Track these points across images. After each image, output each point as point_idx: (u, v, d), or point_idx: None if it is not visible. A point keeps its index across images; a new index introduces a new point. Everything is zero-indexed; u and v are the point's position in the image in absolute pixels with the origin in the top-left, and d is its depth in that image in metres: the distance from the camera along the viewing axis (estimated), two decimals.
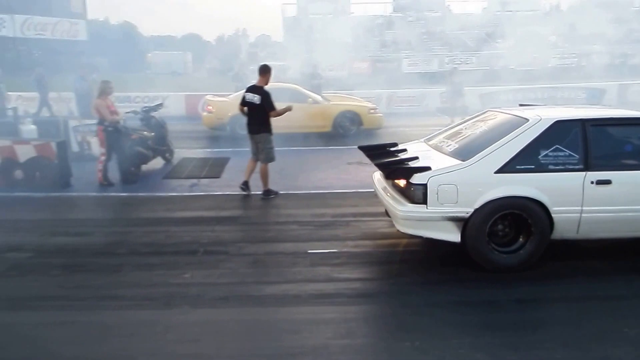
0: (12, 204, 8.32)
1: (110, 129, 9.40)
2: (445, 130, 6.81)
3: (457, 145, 5.96)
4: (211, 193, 8.80)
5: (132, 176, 9.54)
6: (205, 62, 42.12)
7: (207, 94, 17.04)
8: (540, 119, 5.53)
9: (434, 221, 5.31)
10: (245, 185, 8.65)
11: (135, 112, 11.67)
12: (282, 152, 9.55)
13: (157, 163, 10.97)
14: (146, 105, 13.50)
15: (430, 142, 6.56)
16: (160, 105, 12.02)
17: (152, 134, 10.79)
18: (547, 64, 33.43)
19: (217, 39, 60.00)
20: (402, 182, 5.56)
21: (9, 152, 9.18)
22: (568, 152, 5.34)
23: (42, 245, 6.36)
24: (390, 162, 5.87)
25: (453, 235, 5.35)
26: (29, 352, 4.13)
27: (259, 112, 8.42)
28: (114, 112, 9.61)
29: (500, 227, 5.42)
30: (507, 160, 5.29)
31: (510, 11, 41.19)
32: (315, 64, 20.51)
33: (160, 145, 11.14)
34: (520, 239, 5.40)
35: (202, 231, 6.77)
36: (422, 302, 4.86)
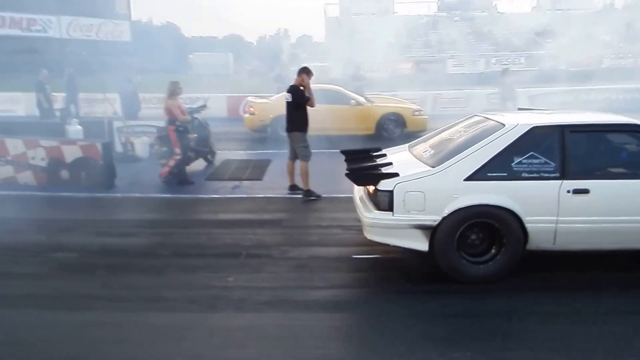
0: (59, 204, 8.48)
1: (181, 128, 9.53)
2: (431, 136, 6.54)
3: (432, 152, 5.75)
4: (253, 195, 8.79)
5: (185, 177, 9.64)
6: (247, 63, 42.41)
7: (248, 96, 17.09)
8: (517, 125, 5.31)
9: (401, 229, 5.15)
10: (293, 189, 8.69)
11: None
12: (325, 155, 9.50)
13: (199, 164, 11.04)
14: (189, 106, 13.61)
15: (412, 148, 6.33)
16: (203, 107, 12.10)
17: (195, 135, 10.85)
18: (601, 64, 32.28)
19: (258, 40, 60.50)
20: (371, 189, 5.40)
21: (56, 152, 9.34)
22: (544, 159, 5.11)
23: (88, 245, 6.43)
24: (361, 167, 5.76)
25: (421, 243, 5.17)
26: (79, 350, 4.17)
27: (291, 110, 8.60)
28: (183, 113, 9.75)
29: (473, 236, 5.19)
30: (478, 167, 5.09)
31: (561, 10, 40.13)
32: (357, 64, 20.29)
33: (203, 146, 11.21)
34: (493, 250, 5.17)
35: (245, 234, 6.75)
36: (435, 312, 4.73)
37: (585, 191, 5.02)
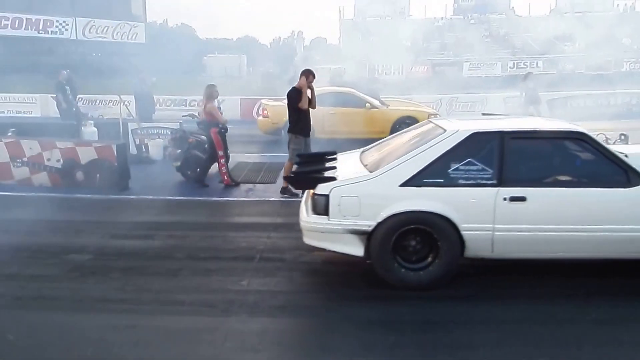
0: (73, 206, 8.52)
1: (223, 130, 9.59)
2: (384, 141, 6.45)
3: (376, 157, 5.70)
4: (267, 199, 8.79)
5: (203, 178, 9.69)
6: (261, 65, 42.51)
7: (262, 98, 17.11)
8: (457, 131, 5.23)
9: (336, 233, 5.11)
10: (284, 192, 8.76)
11: (192, 116, 11.80)
12: None
13: (212, 167, 11.04)
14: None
15: (363, 153, 6.25)
16: (201, 112, 12.11)
17: None
18: (621, 67, 31.84)
19: (272, 42, 60.66)
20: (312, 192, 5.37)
21: (71, 153, 9.39)
22: (481, 166, 5.03)
23: (103, 247, 6.44)
24: (303, 171, 5.77)
25: (356, 248, 5.12)
26: (94, 354, 4.17)
27: (289, 112, 8.79)
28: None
29: (412, 242, 5.12)
30: (414, 173, 5.04)
31: (580, 12, 39.69)
32: (372, 67, 20.21)
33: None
34: (430, 256, 5.10)
35: (259, 237, 6.74)
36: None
37: (522, 199, 4.95)
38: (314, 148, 8.79)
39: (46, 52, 27.30)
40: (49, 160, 9.43)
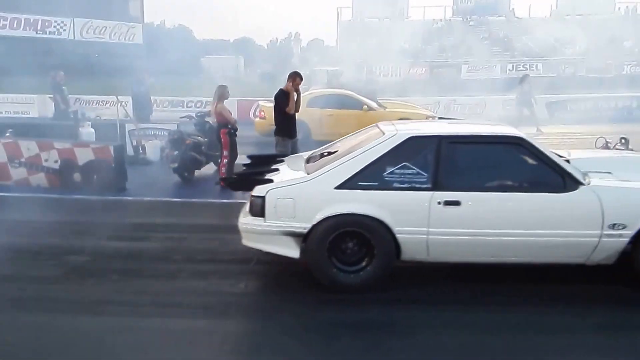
0: (71, 206, 8.56)
1: (232, 131, 9.64)
2: (330, 145, 6.46)
3: (318, 159, 5.73)
4: None
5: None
6: (258, 67, 42.53)
7: (259, 99, 17.10)
8: (395, 134, 5.28)
9: (272, 235, 5.15)
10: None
11: (189, 117, 11.81)
12: None
13: (209, 168, 11.06)
14: (200, 110, 13.66)
15: (309, 156, 6.27)
16: (212, 112, 12.12)
17: (206, 139, 10.89)
18: (622, 70, 31.79)
19: (269, 43, 60.65)
20: None
21: (69, 154, 9.40)
22: (417, 170, 5.07)
23: (100, 249, 6.45)
24: (244, 173, 5.86)
25: (292, 250, 5.17)
26: (92, 356, 4.21)
27: (275, 114, 9.03)
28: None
29: (350, 245, 5.15)
30: (350, 176, 5.08)
31: (581, 15, 39.63)
32: (370, 69, 20.20)
33: (214, 150, 11.22)
34: (366, 259, 5.12)
35: None
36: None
37: (456, 203, 4.97)
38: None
39: (45, 52, 27.22)
40: (46, 161, 9.44)
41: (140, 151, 12.06)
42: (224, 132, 9.59)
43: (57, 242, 6.63)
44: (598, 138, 10.51)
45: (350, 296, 5.14)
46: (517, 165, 5.28)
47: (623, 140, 9.99)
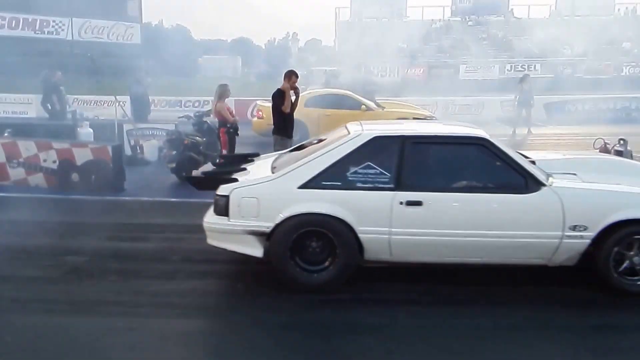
0: (69, 207, 8.56)
1: (232, 130, 9.66)
2: (300, 145, 6.54)
3: (285, 159, 5.77)
4: None
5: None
6: (255, 67, 42.50)
7: (257, 99, 17.13)
8: (359, 134, 5.30)
9: (236, 234, 5.18)
10: None
11: (188, 117, 11.83)
12: None
13: (207, 168, 11.06)
14: (198, 110, 13.67)
15: (278, 155, 6.35)
16: (212, 111, 12.13)
17: (204, 139, 10.90)
18: (620, 72, 31.80)
19: (267, 43, 60.60)
20: None
21: (67, 154, 9.40)
22: (380, 170, 5.10)
23: (99, 249, 6.46)
24: (211, 172, 5.91)
25: (255, 250, 5.20)
26: (90, 356, 4.21)
27: (272, 114, 9.01)
28: (232, 114, 9.95)
29: (314, 244, 5.17)
30: (313, 175, 5.12)
31: (580, 16, 39.61)
32: (368, 69, 20.19)
33: (212, 150, 11.23)
34: (329, 259, 5.15)
35: None
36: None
37: (418, 203, 4.99)
38: None
39: (43, 52, 27.24)
40: (45, 161, 9.44)
41: (138, 151, 12.06)
42: (223, 131, 9.63)
43: (55, 243, 6.63)
44: (596, 139, 10.54)
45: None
46: (480, 165, 5.30)
47: (621, 142, 10.01)
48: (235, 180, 5.34)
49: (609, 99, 21.32)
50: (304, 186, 5.11)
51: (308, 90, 15.39)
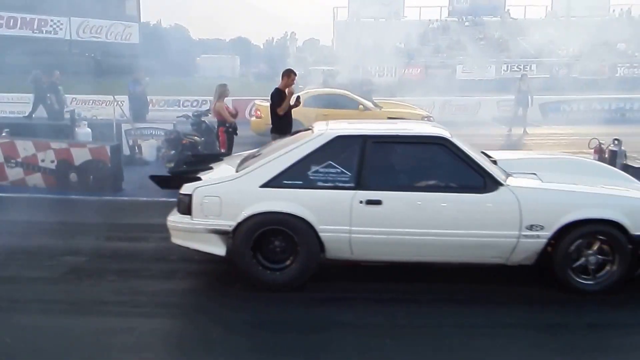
0: (67, 207, 8.55)
1: (230, 130, 9.67)
2: (268, 144, 6.60)
3: (251, 158, 5.79)
4: None
5: None
6: (254, 66, 42.46)
7: (255, 99, 17.14)
8: (322, 134, 5.35)
9: (199, 233, 5.21)
10: None
11: (186, 117, 11.85)
12: None
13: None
14: (197, 110, 13.68)
15: (244, 155, 6.35)
16: (210, 111, 12.15)
17: (202, 139, 10.92)
18: (615, 72, 31.93)
19: (265, 43, 60.55)
20: None
21: (65, 154, 9.40)
22: (341, 169, 5.13)
23: (98, 249, 6.48)
24: (177, 171, 5.97)
25: (218, 248, 5.23)
26: (90, 357, 4.22)
27: (270, 112, 9.02)
28: (231, 114, 9.95)
29: (277, 243, 5.20)
30: (275, 174, 5.15)
31: (575, 17, 39.71)
32: (366, 69, 20.21)
33: (210, 150, 11.25)
34: (291, 257, 5.18)
35: None
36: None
37: (377, 202, 5.01)
38: None
39: (41, 52, 27.22)
40: (43, 161, 9.43)
41: (137, 151, 12.05)
42: (222, 130, 9.65)
43: (53, 243, 6.63)
44: (591, 139, 10.60)
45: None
46: (440, 165, 5.36)
47: (616, 142, 10.07)
48: (199, 179, 5.37)
49: (603, 100, 21.46)
50: (266, 185, 5.14)
51: (306, 89, 15.43)
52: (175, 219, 5.40)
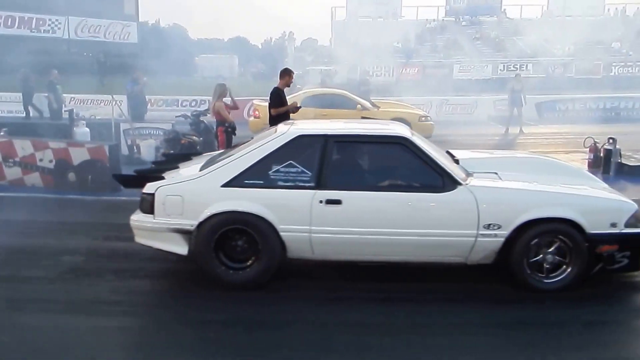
0: (65, 206, 8.57)
1: (229, 129, 9.70)
2: (236, 144, 6.60)
3: (218, 158, 5.81)
4: None
5: None
6: (252, 66, 42.46)
7: (253, 99, 17.15)
8: (284, 133, 5.37)
9: (161, 232, 5.22)
10: None
11: (185, 117, 11.84)
12: None
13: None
14: (196, 109, 13.68)
15: (212, 155, 6.40)
16: (208, 110, 12.15)
17: (201, 138, 10.92)
18: (610, 72, 32.17)
19: (263, 43, 60.53)
20: None
21: (63, 154, 9.40)
22: (301, 168, 5.15)
23: (96, 248, 6.48)
24: (143, 170, 6.01)
25: (181, 247, 5.24)
26: (88, 356, 4.21)
27: (268, 111, 9.18)
28: (233, 107, 10.07)
29: (239, 242, 5.22)
30: (237, 174, 5.17)
31: (571, 16, 39.86)
32: (364, 69, 20.29)
33: (208, 150, 11.25)
34: (253, 257, 5.19)
35: None
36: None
37: (337, 202, 5.03)
38: None
39: (40, 51, 27.19)
40: (41, 160, 9.43)
41: (135, 150, 12.05)
42: (221, 130, 9.68)
43: (52, 242, 6.65)
44: (586, 138, 10.64)
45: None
46: (399, 164, 5.38)
47: (611, 141, 10.17)
48: (163, 178, 5.38)
49: (598, 99, 21.64)
50: (227, 184, 5.15)
51: (304, 89, 15.49)
52: (138, 218, 5.40)
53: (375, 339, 4.42)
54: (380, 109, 14.82)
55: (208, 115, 11.88)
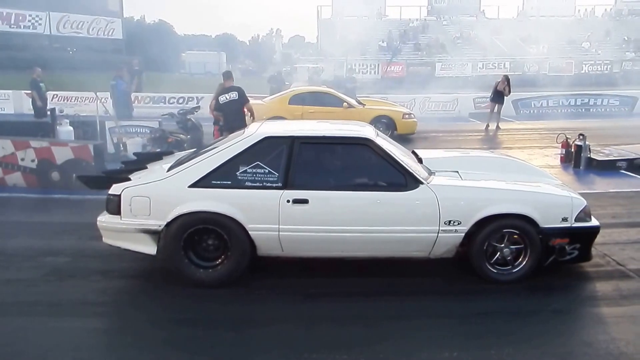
0: (49, 206, 8.42)
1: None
2: (212, 143, 6.63)
3: (186, 158, 5.83)
4: None
5: None
6: (239, 63, 42.33)
7: None
8: (252, 134, 5.49)
9: (129, 232, 5.26)
10: None
11: (171, 115, 11.71)
12: None
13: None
14: (183, 107, 13.56)
15: (181, 155, 6.42)
16: (197, 108, 12.09)
17: (188, 137, 10.81)
18: (580, 70, 33.41)
19: (251, 39, 60.32)
20: None
21: (46, 153, 9.22)
22: (268, 169, 5.26)
23: (81, 249, 6.36)
24: (109, 171, 6.02)
25: (149, 247, 5.30)
26: (74, 358, 4.13)
27: (238, 108, 9.68)
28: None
29: (209, 242, 5.30)
30: (204, 174, 5.23)
31: (544, 16, 40.90)
32: (350, 67, 20.60)
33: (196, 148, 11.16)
34: (223, 255, 5.29)
35: None
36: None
37: (304, 201, 5.16)
38: None
39: (20, 47, 26.88)
40: (22, 160, 9.23)
41: (122, 149, 11.87)
42: (216, 128, 9.76)
43: (35, 243, 6.51)
44: (559, 134, 11.04)
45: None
46: (363, 165, 5.55)
47: (581, 137, 10.67)
48: (129, 179, 5.38)
49: (570, 96, 22.93)
50: (195, 185, 5.22)
51: (292, 88, 15.62)
52: (104, 219, 5.41)
53: (358, 333, 4.52)
54: (365, 107, 15.11)
55: (195, 113, 11.78)
